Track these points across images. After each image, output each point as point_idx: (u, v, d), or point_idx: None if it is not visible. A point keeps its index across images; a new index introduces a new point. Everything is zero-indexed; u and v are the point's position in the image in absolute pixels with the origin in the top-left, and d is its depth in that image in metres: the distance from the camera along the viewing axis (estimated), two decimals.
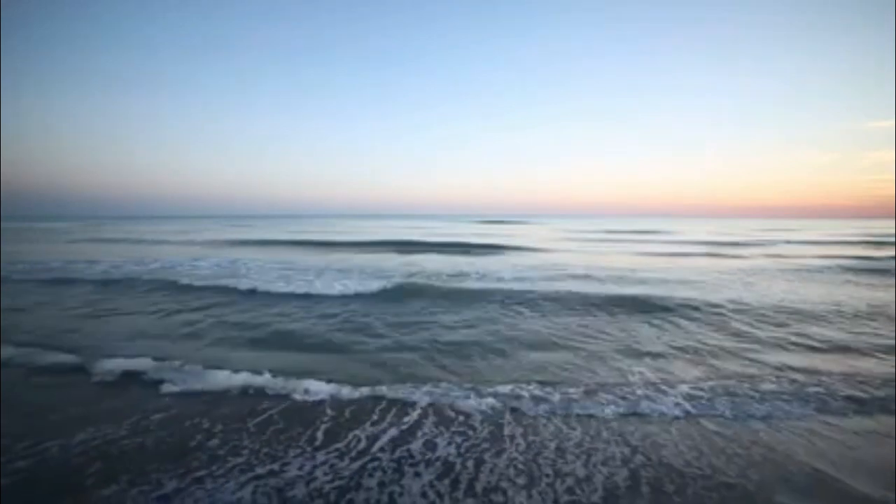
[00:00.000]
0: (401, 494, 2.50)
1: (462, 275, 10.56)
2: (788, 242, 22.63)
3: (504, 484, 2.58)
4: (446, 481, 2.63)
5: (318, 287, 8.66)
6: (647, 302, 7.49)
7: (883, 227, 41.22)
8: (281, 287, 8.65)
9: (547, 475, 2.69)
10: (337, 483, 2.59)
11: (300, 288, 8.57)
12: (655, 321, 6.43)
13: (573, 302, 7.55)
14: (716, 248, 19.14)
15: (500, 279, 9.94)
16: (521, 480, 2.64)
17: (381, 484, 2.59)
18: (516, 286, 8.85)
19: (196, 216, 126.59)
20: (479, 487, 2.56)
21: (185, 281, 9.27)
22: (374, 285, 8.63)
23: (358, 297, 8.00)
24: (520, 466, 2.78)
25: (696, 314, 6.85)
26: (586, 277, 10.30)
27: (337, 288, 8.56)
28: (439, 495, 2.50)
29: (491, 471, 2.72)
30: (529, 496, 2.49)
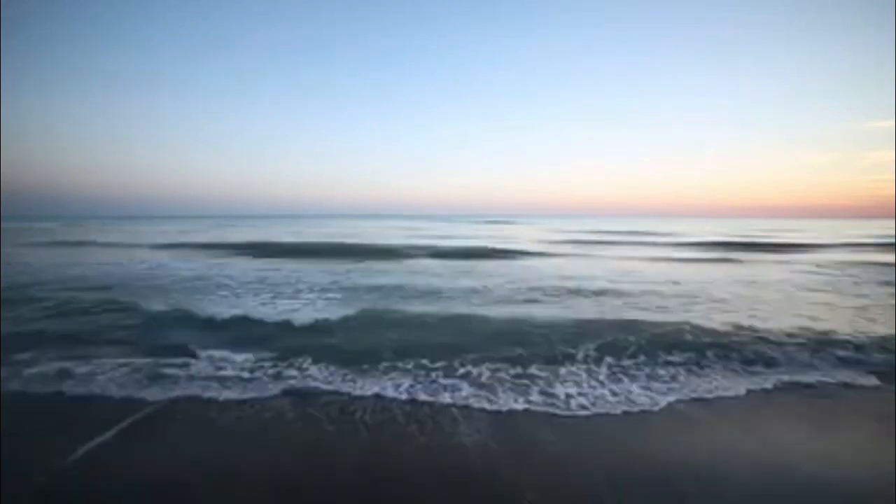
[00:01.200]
0: None
1: (440, 293, 9.06)
2: (801, 246, 20.80)
3: None
4: None
5: (271, 309, 7.53)
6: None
7: (885, 228, 40.52)
8: (218, 309, 7.36)
9: None
10: None
11: (240, 310, 7.31)
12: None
13: (554, 336, 5.93)
14: (720, 253, 17.96)
15: (479, 299, 8.59)
16: None
17: None
18: (494, 312, 7.30)
19: (196, 216, 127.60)
20: None
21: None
22: (337, 312, 7.22)
23: (310, 329, 6.45)
24: None
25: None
26: (576, 293, 9.13)
27: (283, 310, 7.39)
28: None
29: None
30: None
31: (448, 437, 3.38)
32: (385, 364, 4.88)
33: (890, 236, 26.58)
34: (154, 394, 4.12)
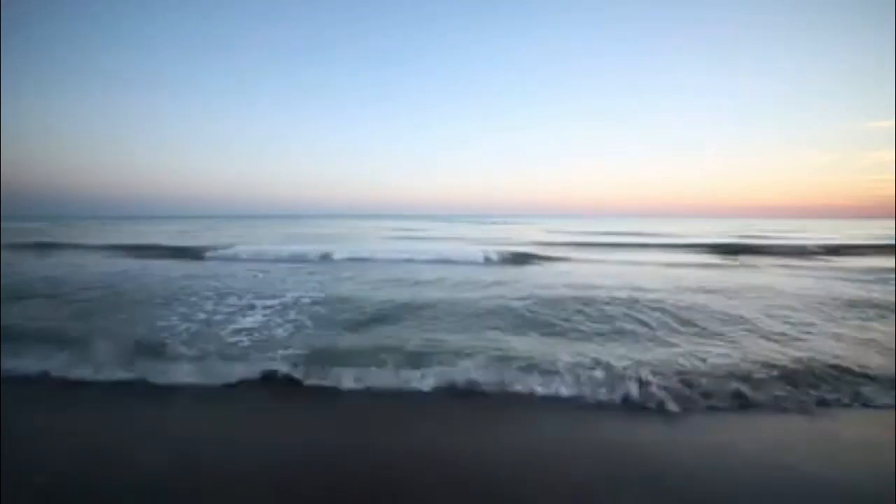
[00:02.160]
0: None
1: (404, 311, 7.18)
2: (821, 247, 18.65)
3: None
4: None
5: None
6: None
7: (885, 228, 40.41)
8: None
9: None
10: None
11: None
12: None
13: None
14: (742, 257, 16.72)
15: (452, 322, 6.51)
16: None
17: None
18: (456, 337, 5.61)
19: (196, 216, 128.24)
20: None
21: None
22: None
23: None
24: None
25: None
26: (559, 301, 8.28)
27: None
28: None
29: None
30: None
31: None
32: None
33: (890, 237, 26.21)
34: None
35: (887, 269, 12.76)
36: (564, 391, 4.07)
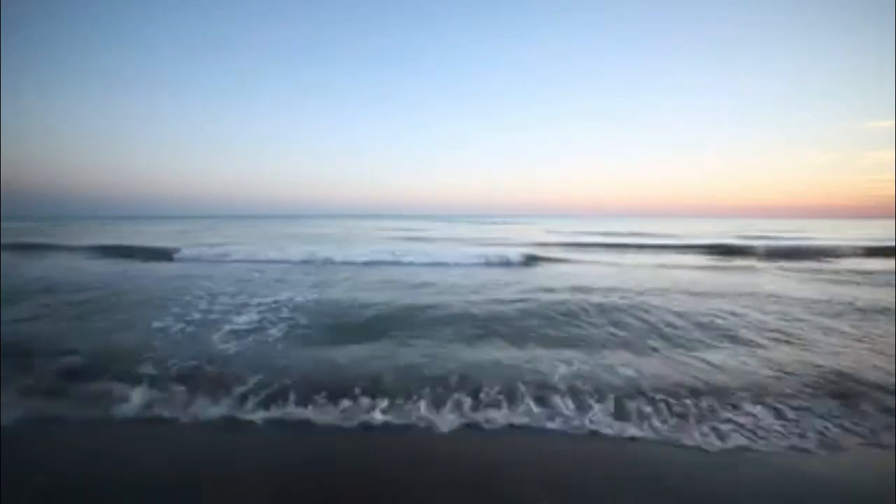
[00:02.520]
0: None
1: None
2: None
3: None
4: None
5: None
6: None
7: (885, 228, 40.35)
8: None
9: None
10: None
11: None
12: None
13: None
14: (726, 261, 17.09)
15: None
16: None
17: None
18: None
19: (196, 216, 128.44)
20: None
21: None
22: None
23: None
24: None
25: None
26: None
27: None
28: None
29: None
30: None
31: None
32: None
33: None
34: None
35: (887, 271, 12.70)
36: (557, 422, 3.63)
